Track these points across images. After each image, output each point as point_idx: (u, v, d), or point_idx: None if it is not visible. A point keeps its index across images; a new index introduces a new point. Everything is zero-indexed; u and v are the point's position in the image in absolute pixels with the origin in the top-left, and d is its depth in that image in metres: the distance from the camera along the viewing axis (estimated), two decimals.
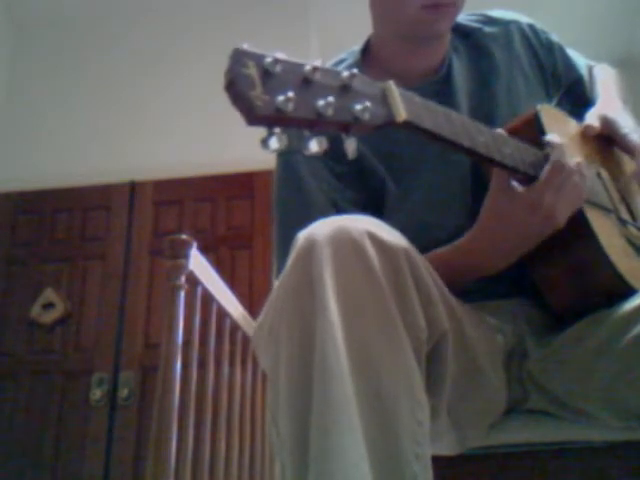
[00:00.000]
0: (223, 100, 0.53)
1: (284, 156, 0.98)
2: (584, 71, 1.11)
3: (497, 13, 1.10)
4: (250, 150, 3.04)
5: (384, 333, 0.61)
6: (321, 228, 0.65)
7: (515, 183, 0.78)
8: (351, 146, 0.60)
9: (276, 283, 0.68)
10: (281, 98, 0.53)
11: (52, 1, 3.45)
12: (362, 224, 0.66)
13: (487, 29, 1.06)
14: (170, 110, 3.31)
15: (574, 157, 0.89)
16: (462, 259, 0.80)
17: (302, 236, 0.65)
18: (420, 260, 0.69)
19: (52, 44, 3.55)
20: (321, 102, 0.55)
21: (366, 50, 1.05)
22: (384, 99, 0.62)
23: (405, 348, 0.62)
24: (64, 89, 3.44)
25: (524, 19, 1.10)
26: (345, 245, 0.63)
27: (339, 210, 0.94)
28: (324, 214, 0.91)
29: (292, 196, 0.97)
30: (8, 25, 3.53)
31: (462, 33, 1.06)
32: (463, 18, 1.08)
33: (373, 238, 0.64)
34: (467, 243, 0.81)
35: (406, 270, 0.65)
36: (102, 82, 3.42)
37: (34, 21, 3.52)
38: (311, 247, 0.63)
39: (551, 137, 0.80)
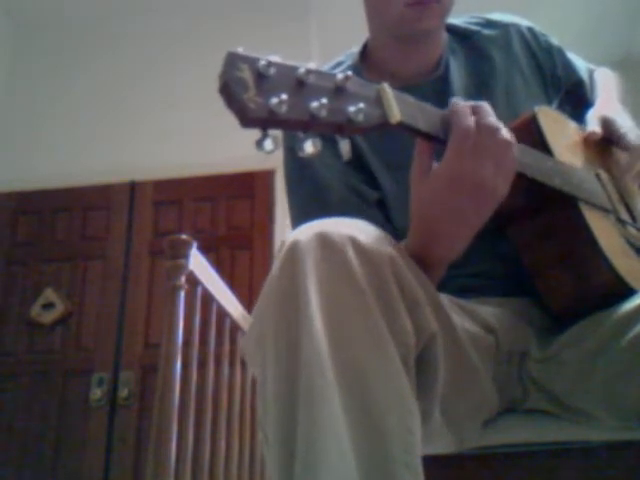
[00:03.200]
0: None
1: (293, 150, 0.98)
2: (584, 74, 1.12)
3: (496, 16, 1.10)
4: (250, 150, 3.05)
5: (370, 343, 0.60)
6: (305, 234, 0.64)
7: (435, 164, 0.71)
8: (345, 147, 0.60)
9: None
10: (274, 100, 0.53)
11: (52, 1, 3.45)
12: (346, 229, 0.65)
13: (486, 32, 1.07)
14: (170, 110, 3.31)
15: (574, 158, 0.89)
16: (415, 253, 0.74)
17: (288, 242, 0.65)
18: (406, 264, 0.68)
19: (52, 44, 3.55)
20: (314, 104, 0.56)
21: (364, 52, 1.05)
22: (378, 100, 0.62)
23: (392, 356, 0.61)
24: (64, 89, 3.44)
25: (523, 22, 1.11)
26: (328, 254, 0.62)
27: (356, 191, 0.94)
28: (342, 199, 0.92)
29: (307, 188, 0.97)
30: (8, 25, 3.53)
31: (460, 36, 1.06)
32: (461, 21, 1.08)
33: (356, 245, 0.63)
34: (411, 238, 0.76)
35: (390, 276, 0.64)
36: (102, 82, 3.42)
37: (34, 21, 3.52)
38: (295, 255, 0.63)
39: (455, 100, 0.71)
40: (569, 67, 1.10)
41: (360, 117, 0.59)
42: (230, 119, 0.55)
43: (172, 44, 3.45)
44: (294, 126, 0.56)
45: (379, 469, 0.56)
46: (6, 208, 3.26)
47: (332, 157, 0.95)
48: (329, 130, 0.59)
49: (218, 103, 0.55)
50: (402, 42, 0.99)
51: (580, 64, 1.13)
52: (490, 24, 1.08)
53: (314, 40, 3.39)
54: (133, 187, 3.26)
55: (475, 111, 0.70)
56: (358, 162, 0.96)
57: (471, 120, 0.69)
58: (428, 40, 0.98)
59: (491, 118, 0.70)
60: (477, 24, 1.08)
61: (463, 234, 0.73)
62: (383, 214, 0.95)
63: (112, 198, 3.24)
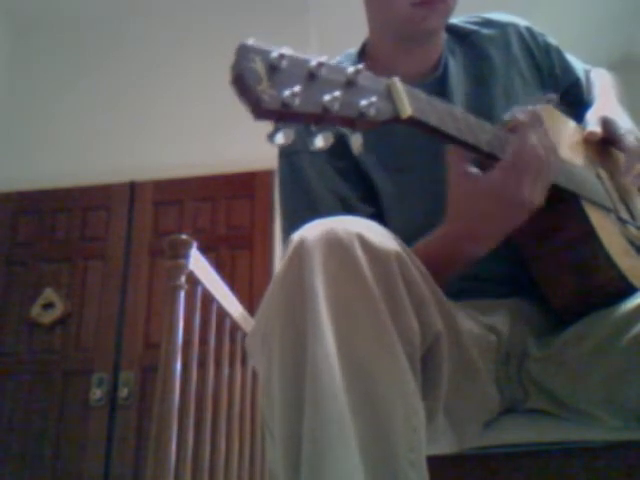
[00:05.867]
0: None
1: (288, 157, 0.98)
2: (581, 74, 1.12)
3: (494, 15, 1.11)
4: (250, 150, 3.06)
5: (377, 342, 0.60)
6: (312, 231, 0.64)
7: (474, 168, 0.75)
8: (357, 142, 0.59)
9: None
10: (287, 92, 0.53)
11: (52, 1, 3.45)
12: (353, 227, 0.65)
13: (484, 31, 1.07)
14: (170, 110, 3.31)
15: (572, 155, 0.90)
16: (440, 250, 0.78)
17: (294, 239, 0.65)
18: (412, 262, 0.68)
19: (52, 44, 3.55)
20: (327, 97, 0.55)
21: (362, 52, 1.05)
22: (389, 95, 0.62)
23: (398, 355, 0.61)
24: (64, 89, 3.44)
25: (521, 21, 1.11)
26: (335, 251, 0.62)
27: (347, 206, 0.94)
28: (332, 213, 0.92)
29: (299, 198, 0.97)
30: (8, 25, 3.53)
31: (459, 35, 1.06)
32: (460, 21, 1.08)
33: (363, 242, 0.64)
34: (441, 234, 0.79)
35: (397, 274, 0.64)
36: (102, 82, 3.42)
37: (34, 21, 3.52)
38: (301, 253, 0.63)
39: (511, 115, 0.75)
40: (567, 67, 1.10)
41: (372, 111, 0.58)
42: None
43: (172, 44, 3.45)
44: (306, 119, 0.56)
45: (385, 467, 0.56)
46: (6, 208, 3.26)
47: (328, 167, 0.95)
48: (340, 124, 0.58)
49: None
50: (404, 42, 0.98)
51: (577, 64, 1.13)
52: (488, 24, 1.08)
53: (313, 40, 3.39)
54: (133, 187, 3.26)
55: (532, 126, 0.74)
56: (355, 169, 0.96)
57: (533, 138, 0.72)
58: (429, 40, 0.98)
59: (547, 139, 0.74)
60: (476, 24, 1.08)
61: (494, 237, 0.78)
62: None
63: (112, 198, 3.24)
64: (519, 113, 0.76)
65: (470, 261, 0.80)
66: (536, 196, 0.74)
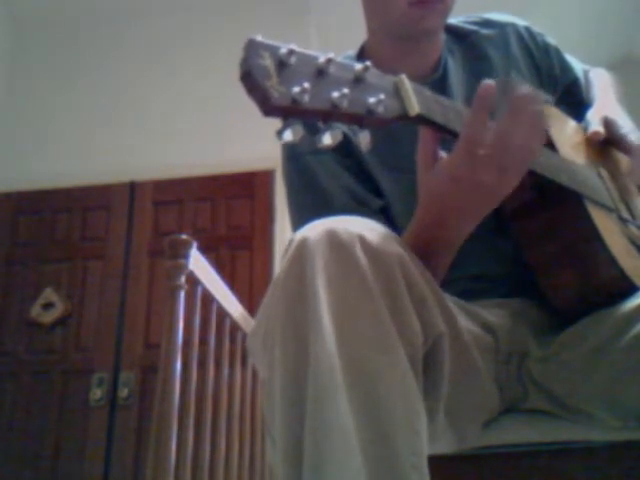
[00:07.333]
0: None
1: (294, 159, 0.98)
2: (580, 74, 1.12)
3: (493, 16, 1.11)
4: (250, 150, 3.07)
5: (378, 343, 0.60)
6: (313, 231, 0.64)
7: (442, 153, 0.71)
8: (365, 139, 0.59)
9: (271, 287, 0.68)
10: (296, 89, 0.52)
11: (52, 1, 3.45)
12: (354, 227, 0.65)
13: (483, 31, 1.07)
14: (170, 110, 3.31)
15: (576, 152, 0.90)
16: (415, 240, 0.75)
17: (296, 239, 0.65)
18: (414, 263, 0.68)
19: (52, 44, 3.55)
20: (336, 94, 0.55)
21: (361, 54, 1.05)
22: (397, 92, 0.62)
23: (400, 356, 0.61)
24: (64, 89, 3.44)
25: (520, 22, 1.11)
26: (336, 251, 0.62)
27: (359, 200, 0.94)
28: (345, 208, 0.91)
29: (311, 196, 0.97)
30: (8, 25, 3.53)
31: (458, 35, 1.06)
32: (459, 21, 1.09)
33: (364, 243, 0.63)
34: (414, 223, 0.77)
35: (398, 275, 0.64)
36: (102, 82, 3.43)
37: (34, 21, 3.52)
38: (303, 254, 0.63)
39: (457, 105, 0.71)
40: (566, 67, 1.10)
41: (380, 109, 0.58)
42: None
43: (172, 44, 3.45)
44: (315, 116, 0.55)
45: (386, 470, 0.56)
46: (6, 208, 3.26)
47: (336, 165, 0.95)
48: (349, 121, 0.58)
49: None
50: (402, 42, 0.98)
51: (576, 64, 1.13)
52: (488, 24, 1.08)
53: (314, 40, 3.39)
54: (133, 187, 3.26)
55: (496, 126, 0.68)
56: (359, 167, 0.96)
57: (483, 131, 0.67)
58: (428, 40, 0.98)
59: (502, 128, 0.68)
60: (475, 24, 1.08)
61: (465, 223, 0.75)
62: (387, 221, 0.95)
63: (112, 198, 3.24)
64: (485, 86, 0.67)
65: (447, 249, 0.77)
66: (504, 180, 0.68)
